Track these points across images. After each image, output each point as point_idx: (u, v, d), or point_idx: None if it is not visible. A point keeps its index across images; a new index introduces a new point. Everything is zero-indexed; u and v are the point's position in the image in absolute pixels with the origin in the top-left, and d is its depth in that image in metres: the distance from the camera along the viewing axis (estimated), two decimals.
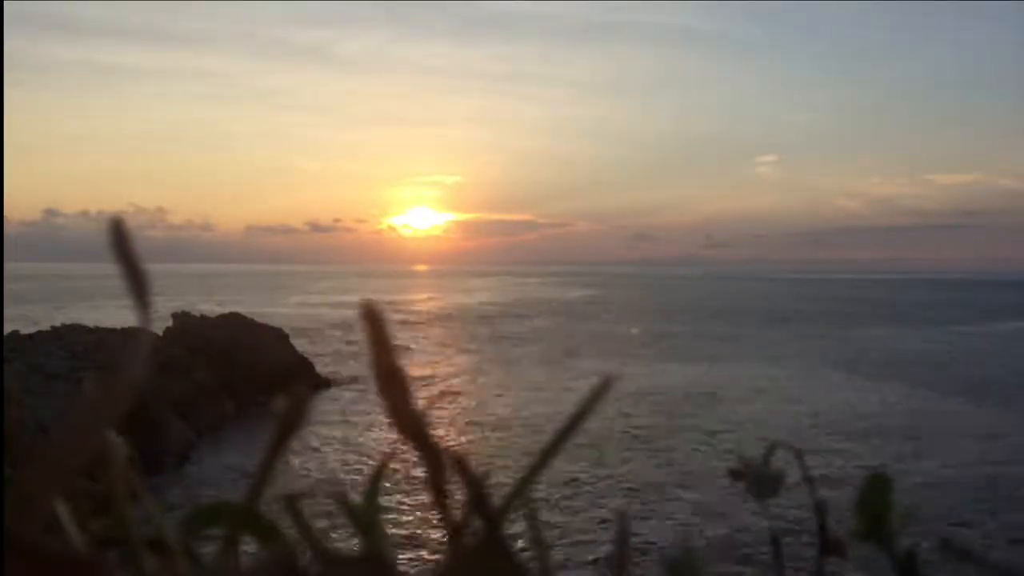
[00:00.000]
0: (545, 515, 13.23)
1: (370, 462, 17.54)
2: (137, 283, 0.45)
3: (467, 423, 21.45)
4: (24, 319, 34.54)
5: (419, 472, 0.50)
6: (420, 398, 0.49)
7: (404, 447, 0.52)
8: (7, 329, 23.01)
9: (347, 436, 20.13)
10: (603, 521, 13.48)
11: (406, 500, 13.87)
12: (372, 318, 0.48)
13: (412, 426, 0.48)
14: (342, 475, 16.86)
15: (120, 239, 0.45)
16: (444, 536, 0.49)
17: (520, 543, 0.52)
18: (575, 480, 15.63)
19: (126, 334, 20.23)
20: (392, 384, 0.48)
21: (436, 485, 0.48)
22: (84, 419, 0.42)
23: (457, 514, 0.48)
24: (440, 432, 19.02)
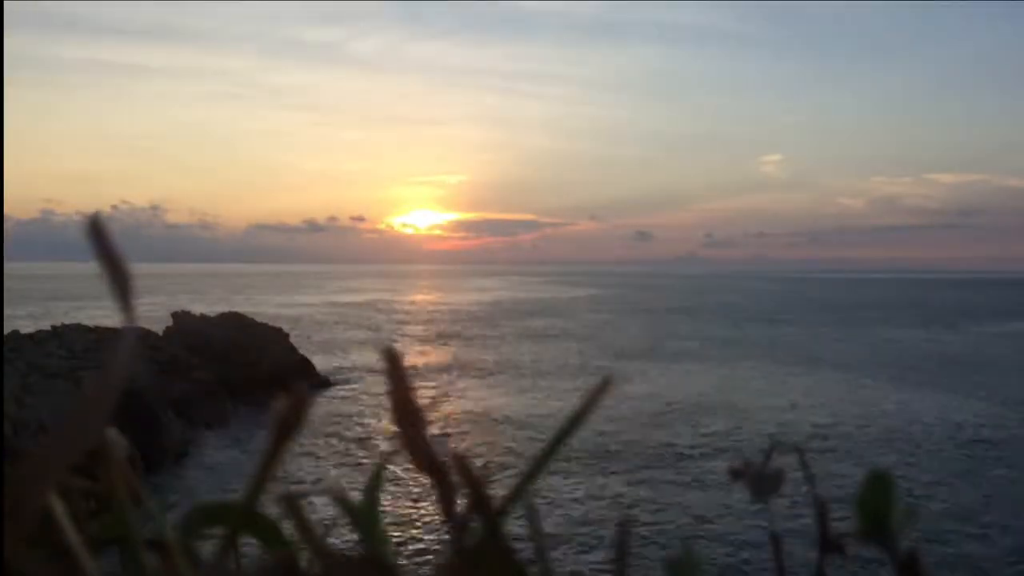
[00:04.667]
0: None
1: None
2: (120, 281, 0.44)
3: None
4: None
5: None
6: (434, 431, 0.52)
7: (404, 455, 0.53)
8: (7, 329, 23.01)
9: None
10: None
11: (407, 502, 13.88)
12: (391, 358, 0.52)
13: (428, 460, 0.51)
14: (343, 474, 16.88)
15: (100, 236, 0.44)
16: (446, 535, 0.49)
17: (520, 543, 0.52)
18: None
19: None
20: (409, 419, 0.51)
21: (448, 512, 0.51)
22: (72, 419, 0.41)
23: (459, 519, 0.50)
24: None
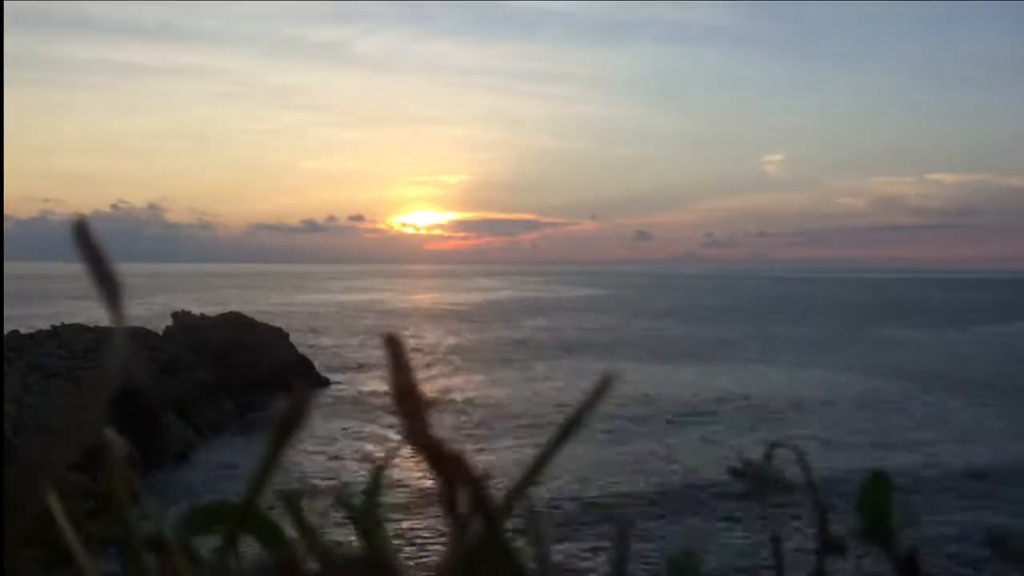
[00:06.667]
0: None
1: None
2: (107, 283, 0.44)
3: None
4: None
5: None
6: (437, 419, 0.51)
7: (407, 452, 0.52)
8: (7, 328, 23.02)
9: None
10: None
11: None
12: (392, 342, 0.50)
13: (429, 447, 0.49)
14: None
15: (86, 239, 0.44)
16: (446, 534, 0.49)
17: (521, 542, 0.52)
18: None
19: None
20: (410, 405, 0.49)
21: (450, 507, 0.49)
22: (69, 419, 0.41)
23: (462, 520, 0.48)
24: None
